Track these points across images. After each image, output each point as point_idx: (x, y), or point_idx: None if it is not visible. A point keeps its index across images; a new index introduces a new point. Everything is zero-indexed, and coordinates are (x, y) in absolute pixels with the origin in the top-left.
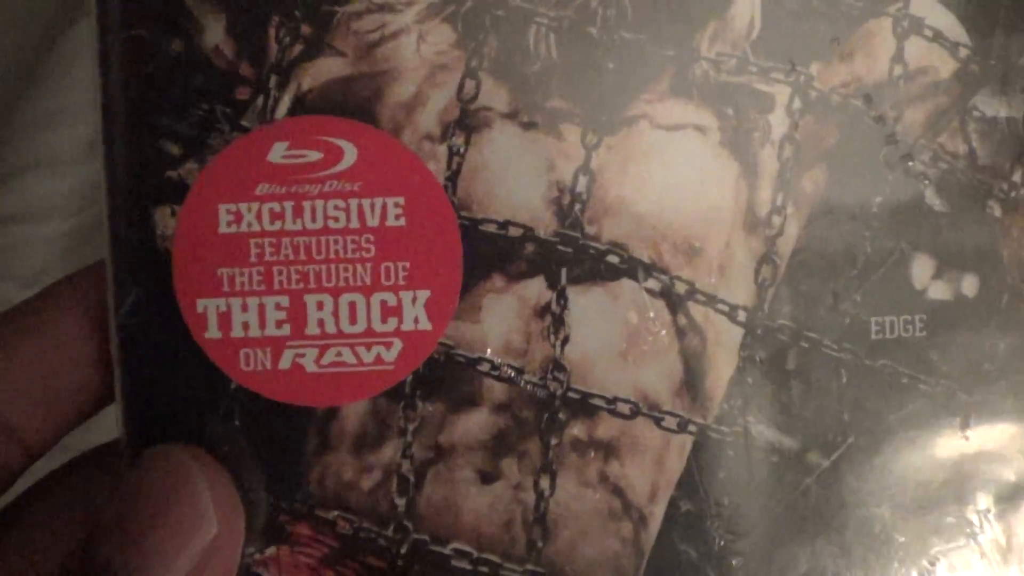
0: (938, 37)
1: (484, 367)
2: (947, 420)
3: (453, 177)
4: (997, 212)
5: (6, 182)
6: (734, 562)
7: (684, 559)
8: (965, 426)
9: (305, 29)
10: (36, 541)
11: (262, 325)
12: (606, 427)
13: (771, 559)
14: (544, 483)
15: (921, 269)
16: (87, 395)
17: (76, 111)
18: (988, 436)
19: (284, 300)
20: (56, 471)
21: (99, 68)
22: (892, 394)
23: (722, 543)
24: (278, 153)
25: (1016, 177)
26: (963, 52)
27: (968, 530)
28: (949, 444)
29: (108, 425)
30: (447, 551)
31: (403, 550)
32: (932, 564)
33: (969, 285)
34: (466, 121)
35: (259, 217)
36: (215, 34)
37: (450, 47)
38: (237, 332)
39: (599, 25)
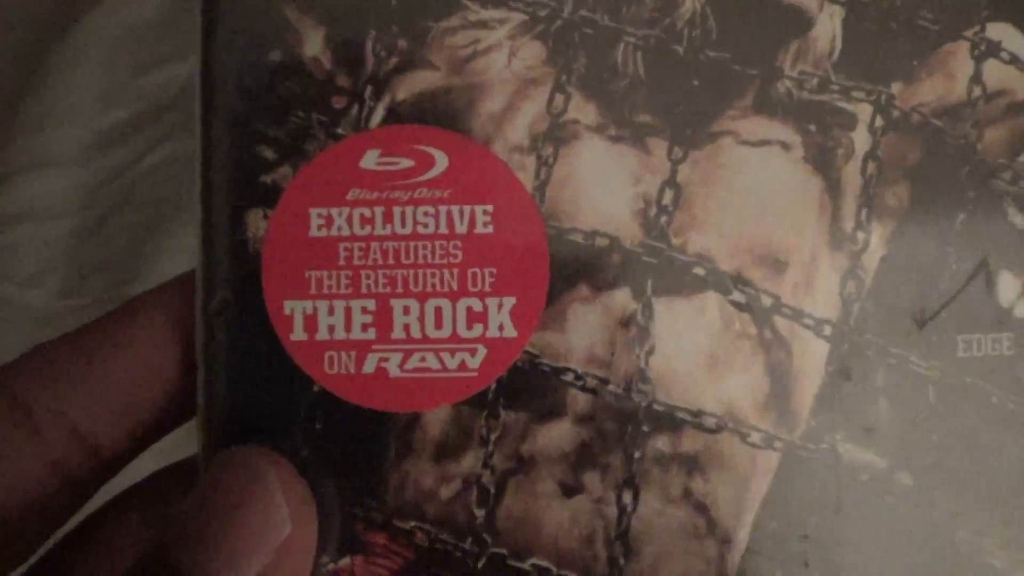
0: (1015, 60)
1: (568, 377)
2: None
3: (541, 187)
4: None
5: (6, 182)
6: None
7: None
8: None
9: (401, 43)
10: (111, 555)
11: (348, 328)
12: (691, 441)
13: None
14: (627, 498)
15: (1007, 287)
16: (168, 407)
17: (76, 111)
18: None
19: (371, 304)
20: (134, 486)
21: (201, 74)
22: (981, 413)
23: (809, 566)
24: (371, 160)
25: None
26: None
27: None
28: None
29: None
30: (526, 566)
31: (480, 564)
32: None
33: None
34: (555, 133)
35: (349, 221)
36: (315, 45)
37: (540, 63)
38: (322, 335)
39: (685, 44)
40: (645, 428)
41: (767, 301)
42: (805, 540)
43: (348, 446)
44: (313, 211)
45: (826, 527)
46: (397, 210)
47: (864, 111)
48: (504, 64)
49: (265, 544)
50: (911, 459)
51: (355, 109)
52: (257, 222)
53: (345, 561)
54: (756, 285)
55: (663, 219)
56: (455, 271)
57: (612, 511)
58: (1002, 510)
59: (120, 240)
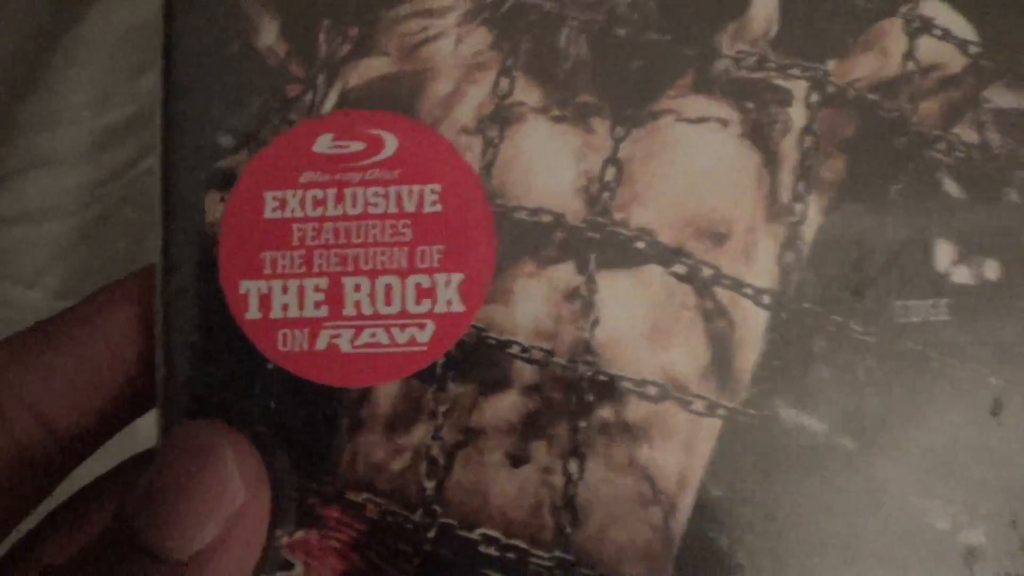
0: (947, 35)
1: (514, 349)
2: (977, 404)
3: (488, 167)
4: (1015, 198)
5: (6, 182)
6: (767, 548)
7: (715, 547)
8: (997, 411)
9: (353, 31)
10: (82, 538)
11: (301, 306)
12: (634, 409)
13: (801, 542)
14: (573, 467)
15: (943, 254)
16: (131, 393)
17: (76, 111)
18: (1021, 420)
19: (323, 282)
20: (107, 473)
21: (162, 64)
22: (921, 378)
23: (753, 530)
24: (324, 144)
25: None
26: (973, 49)
27: (1005, 518)
28: (981, 429)
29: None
30: (475, 536)
31: (430, 535)
32: (971, 553)
33: (991, 269)
34: (501, 115)
35: (303, 203)
36: (270, 35)
37: (486, 48)
38: (276, 313)
39: (627, 27)
40: (590, 398)
41: (707, 272)
42: (748, 504)
43: (301, 421)
44: (268, 194)
45: (769, 492)
46: (348, 191)
47: (800, 87)
48: (452, 50)
49: (218, 512)
50: (852, 424)
51: (309, 96)
52: (214, 205)
53: (300, 534)
54: (696, 257)
55: (605, 195)
56: (404, 249)
57: (559, 480)
58: (943, 472)
59: (120, 240)
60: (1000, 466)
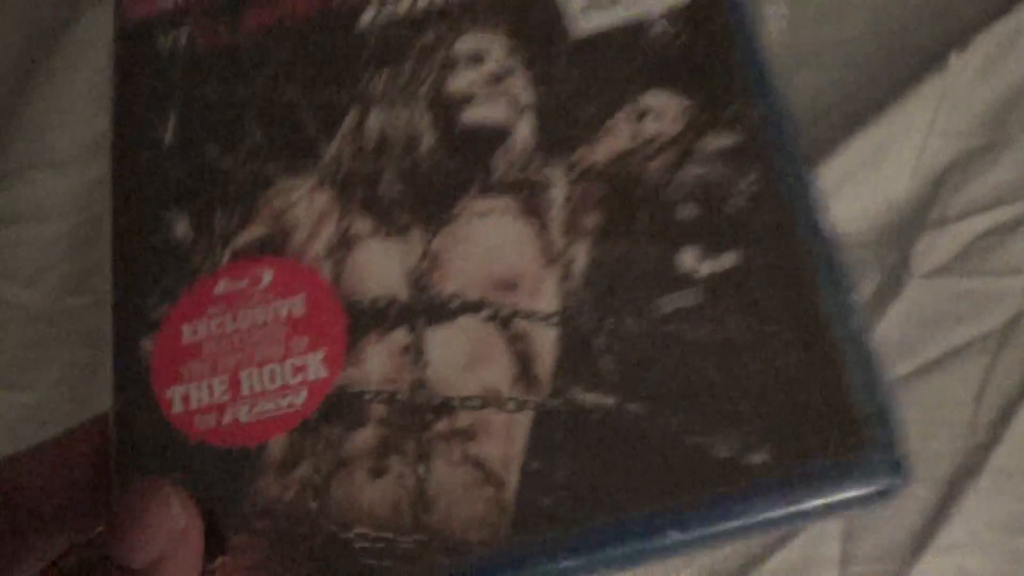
0: (663, 114)
1: (368, 396)
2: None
3: (337, 278)
4: (741, 202)
5: (6, 182)
6: (583, 500)
7: (543, 508)
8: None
9: (237, 211)
10: None
11: (211, 396)
12: (463, 419)
13: (609, 490)
14: (421, 470)
15: (687, 258)
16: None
17: (76, 112)
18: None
19: (225, 377)
20: None
21: (113, 262)
22: (687, 348)
23: (571, 492)
24: (221, 287)
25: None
26: (688, 114)
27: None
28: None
29: None
30: (351, 535)
31: (318, 541)
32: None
33: (729, 259)
34: (344, 242)
35: (208, 328)
36: (182, 226)
37: (331, 202)
38: (193, 405)
39: (427, 164)
40: (429, 417)
41: (506, 312)
42: (563, 469)
43: (218, 476)
44: (184, 327)
45: (578, 459)
46: (241, 312)
47: (558, 174)
48: (306, 208)
49: (163, 534)
50: (637, 393)
51: (209, 259)
52: (147, 346)
53: (219, 561)
54: (497, 303)
55: (424, 278)
56: (281, 343)
57: (411, 481)
58: (717, 411)
59: None
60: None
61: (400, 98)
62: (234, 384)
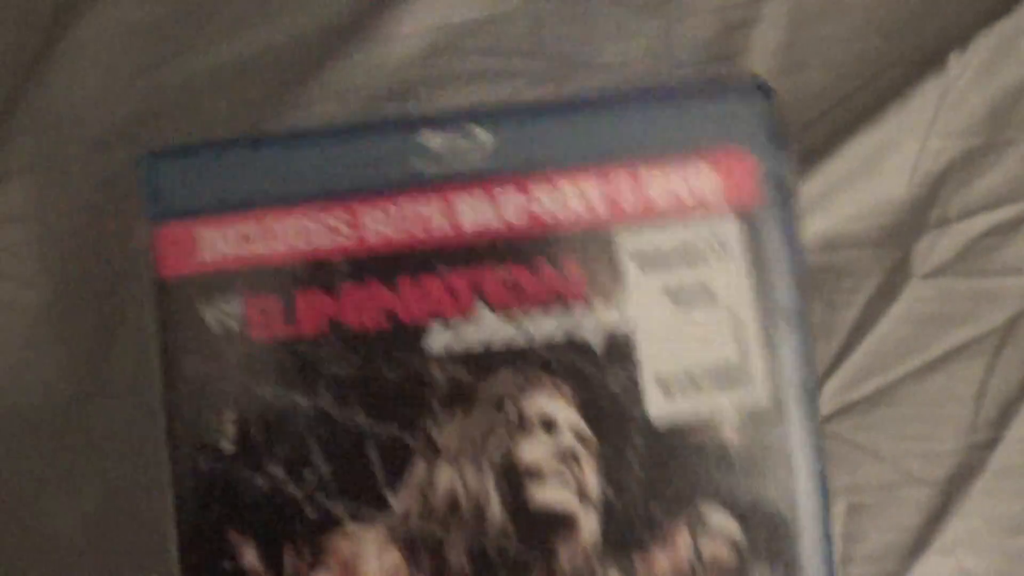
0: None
1: None
2: None
3: None
4: None
5: (6, 182)
6: None
7: None
8: None
9: (306, 551)
10: None
11: None
12: None
13: None
14: None
15: None
16: None
17: (76, 111)
18: None
19: None
20: None
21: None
22: None
23: None
24: None
25: None
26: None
27: None
28: None
29: None
30: None
31: None
32: None
33: None
34: None
35: None
36: (251, 556)
37: (399, 564)
38: None
39: (492, 541)
40: None
41: None
42: None
43: None
44: None
45: None
46: None
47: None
48: (376, 565)
49: None
50: None
51: None
52: None
53: None
54: None
55: None
56: None
57: None
58: None
59: (120, 240)
60: None
61: (470, 455)
62: None
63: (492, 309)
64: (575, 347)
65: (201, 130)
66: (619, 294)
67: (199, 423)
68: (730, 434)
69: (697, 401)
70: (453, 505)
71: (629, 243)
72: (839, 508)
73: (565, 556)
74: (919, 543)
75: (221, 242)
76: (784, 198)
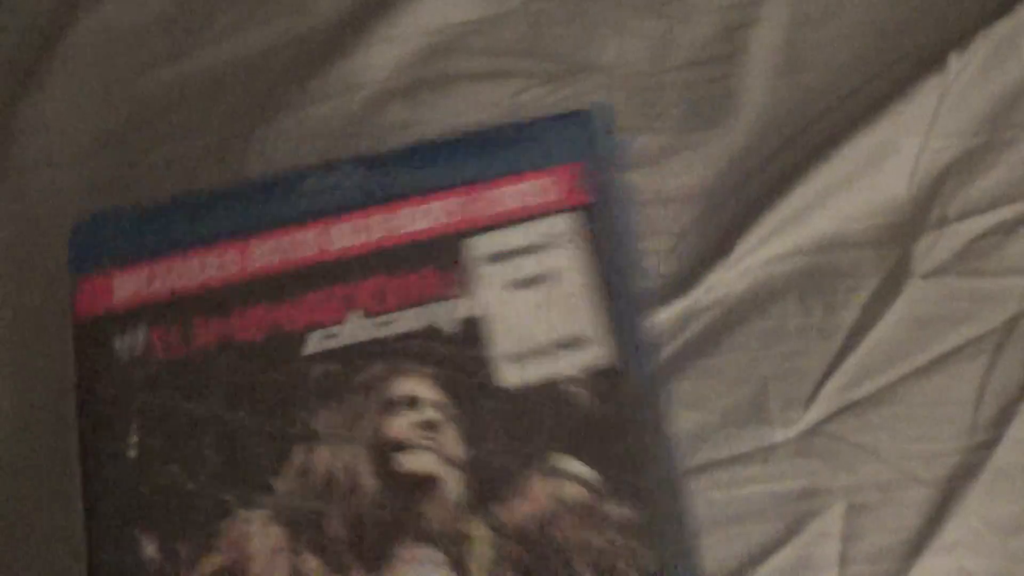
0: (576, 477)
1: None
2: None
3: None
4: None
5: (6, 182)
6: None
7: None
8: None
9: (199, 537)
10: None
11: None
12: None
13: None
14: None
15: None
16: None
17: (76, 111)
18: None
19: None
20: None
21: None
22: None
23: None
24: None
25: None
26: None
27: None
28: None
29: None
30: None
31: None
32: None
33: None
34: None
35: None
36: (152, 548)
37: (282, 539)
38: None
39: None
40: None
41: None
42: None
43: None
44: None
45: None
46: None
47: (482, 530)
48: (261, 542)
49: None
50: None
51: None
52: None
53: None
54: None
55: None
56: None
57: None
58: None
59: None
60: None
61: (344, 435)
62: None
63: (362, 314)
64: (435, 336)
65: (196, 134)
66: (471, 288)
67: (107, 436)
68: (577, 392)
69: (546, 367)
70: (330, 481)
71: (478, 246)
72: (839, 508)
73: (433, 514)
74: (919, 543)
75: (131, 285)
76: (610, 195)
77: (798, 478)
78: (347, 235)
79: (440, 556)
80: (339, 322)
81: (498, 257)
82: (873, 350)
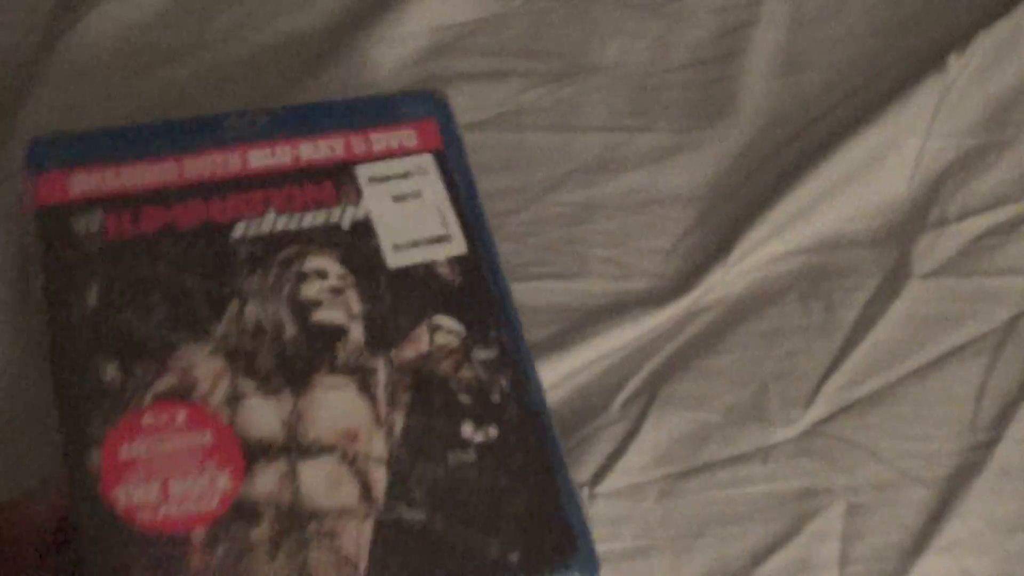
0: (450, 331)
1: (261, 504)
2: None
3: (232, 421)
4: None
5: (6, 182)
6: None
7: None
8: None
9: (153, 365)
10: None
11: (147, 497)
12: (327, 523)
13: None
14: (302, 555)
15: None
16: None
17: (76, 111)
18: None
19: (157, 485)
20: None
21: (55, 392)
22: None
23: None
24: (147, 420)
25: None
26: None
27: None
28: None
29: None
30: None
31: None
32: None
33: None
34: (235, 396)
35: (140, 450)
36: (112, 370)
37: (222, 367)
38: (134, 503)
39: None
40: (304, 520)
41: (351, 454)
42: (395, 559)
43: (156, 555)
44: (121, 447)
45: (404, 552)
46: (164, 439)
47: (382, 364)
48: (205, 369)
49: None
50: (437, 511)
51: (136, 398)
52: (95, 458)
53: None
54: (344, 448)
55: (294, 427)
56: (198, 462)
57: (297, 561)
58: (487, 526)
59: None
60: None
61: (268, 296)
62: (164, 490)
63: (278, 212)
64: (335, 229)
65: None
66: (362, 200)
67: (71, 288)
68: (444, 271)
69: (420, 255)
70: (259, 328)
71: (365, 172)
72: (839, 508)
73: (342, 353)
74: (919, 543)
75: (87, 182)
76: (456, 144)
77: (798, 478)
78: (262, 158)
79: (352, 382)
80: (259, 216)
81: (380, 179)
82: (873, 350)
